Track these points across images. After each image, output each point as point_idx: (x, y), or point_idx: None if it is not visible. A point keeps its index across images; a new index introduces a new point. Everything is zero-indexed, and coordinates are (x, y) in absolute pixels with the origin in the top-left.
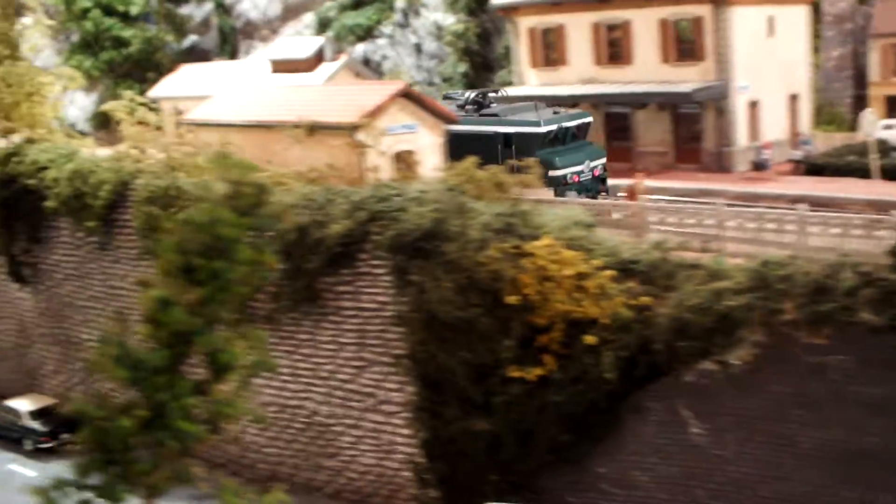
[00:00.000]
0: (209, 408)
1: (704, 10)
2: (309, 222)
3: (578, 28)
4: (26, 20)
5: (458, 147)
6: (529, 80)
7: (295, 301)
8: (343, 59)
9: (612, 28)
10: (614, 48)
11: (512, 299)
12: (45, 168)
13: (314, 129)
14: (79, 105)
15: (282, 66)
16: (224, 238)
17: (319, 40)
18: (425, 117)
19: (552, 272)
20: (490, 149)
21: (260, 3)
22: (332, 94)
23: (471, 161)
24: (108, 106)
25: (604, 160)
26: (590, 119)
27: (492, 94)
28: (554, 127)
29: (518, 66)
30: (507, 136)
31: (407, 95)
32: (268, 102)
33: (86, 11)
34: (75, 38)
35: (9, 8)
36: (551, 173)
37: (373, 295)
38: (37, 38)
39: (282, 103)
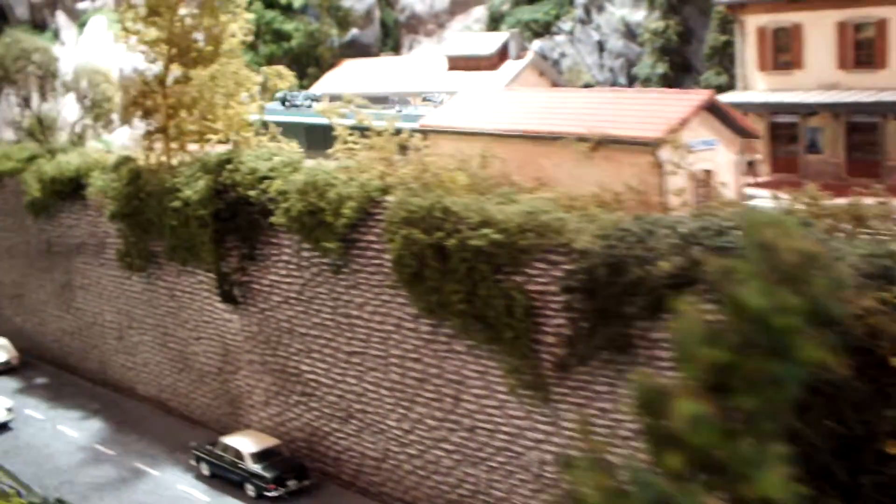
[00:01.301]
0: None
1: None
2: (623, 258)
3: (819, 27)
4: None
5: None
6: (756, 84)
7: (597, 348)
8: (529, 56)
9: (861, 27)
10: (864, 50)
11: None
12: (266, 178)
13: (602, 144)
14: None
15: (461, 63)
16: (781, 330)
17: (503, 36)
18: (723, 131)
19: None
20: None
21: None
22: (617, 103)
23: (813, 186)
24: (321, 107)
25: None
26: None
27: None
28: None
29: (743, 68)
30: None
31: (709, 107)
32: (530, 109)
33: (247, 4)
34: None
35: (212, 2)
36: None
37: None
38: (238, 33)
39: (549, 111)
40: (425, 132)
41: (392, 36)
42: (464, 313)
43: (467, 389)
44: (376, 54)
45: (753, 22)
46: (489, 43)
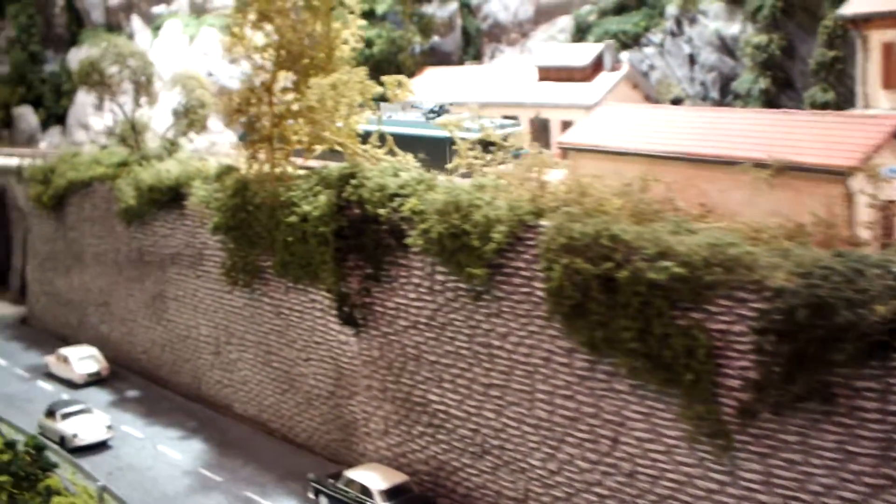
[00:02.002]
0: None
1: None
2: (829, 300)
3: None
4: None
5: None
6: (879, 102)
7: (795, 396)
8: (624, 68)
9: None
10: None
11: None
12: (396, 196)
13: (782, 171)
14: None
15: (552, 74)
16: None
17: (598, 47)
18: None
19: None
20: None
21: (511, 4)
22: (791, 126)
23: None
24: (443, 120)
25: None
26: (520, 128)
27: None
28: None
29: (865, 85)
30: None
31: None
32: (688, 129)
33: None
34: None
35: (326, 6)
36: None
37: None
38: (351, 40)
39: (712, 132)
40: (565, 150)
41: (473, 44)
42: (634, 352)
43: (628, 431)
44: (457, 63)
45: (878, 38)
46: (583, 54)
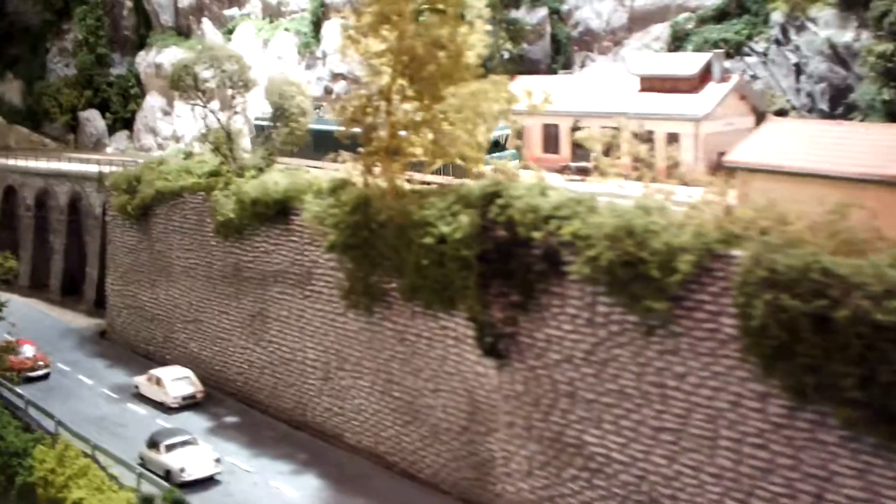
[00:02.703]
0: None
1: None
2: None
3: None
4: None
5: None
6: None
7: None
8: (734, 79)
9: None
10: None
11: None
12: (552, 217)
13: None
14: None
15: (655, 84)
16: None
17: (705, 56)
18: None
19: None
20: None
21: (603, 11)
22: None
23: None
24: (584, 134)
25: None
26: (508, 131)
27: None
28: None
29: None
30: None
31: None
32: (880, 148)
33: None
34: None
35: (454, 9)
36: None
37: None
38: (478, 45)
39: None
40: (732, 169)
41: (563, 52)
42: (853, 401)
43: (836, 489)
44: (545, 71)
45: None
46: (691, 63)
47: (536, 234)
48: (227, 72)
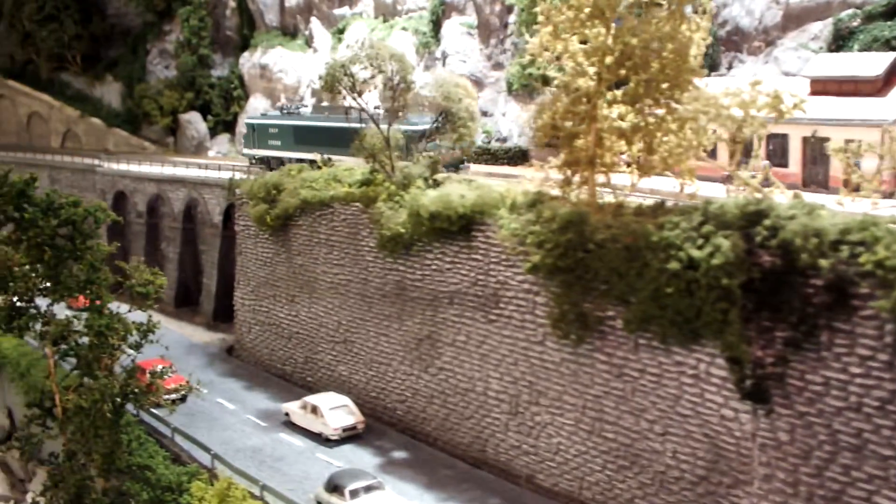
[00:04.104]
0: None
1: None
2: None
3: None
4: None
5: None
6: None
7: None
8: None
9: None
10: None
11: None
12: (842, 242)
13: None
14: (512, 116)
15: (830, 87)
16: None
17: (890, 56)
18: None
19: None
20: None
21: (755, 9)
22: None
23: None
24: (836, 145)
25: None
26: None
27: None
28: (426, 127)
29: None
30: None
31: None
32: None
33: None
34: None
35: (680, 4)
36: (427, 154)
37: None
38: (702, 45)
39: None
40: None
41: (711, 52)
42: None
43: None
44: None
45: None
46: (873, 63)
47: (823, 263)
48: (385, 72)
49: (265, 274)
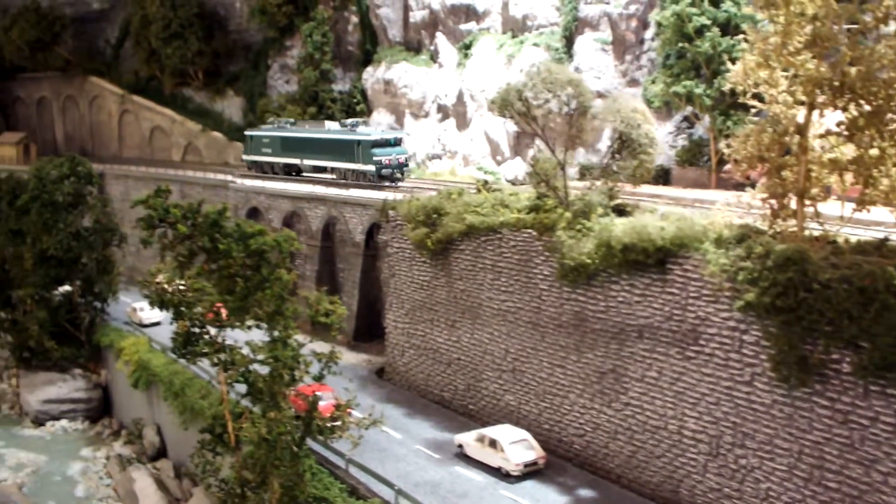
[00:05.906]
0: None
1: None
2: None
3: None
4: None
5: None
6: None
7: None
8: None
9: None
10: None
11: None
12: None
13: None
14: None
15: None
16: None
17: None
18: None
19: None
20: (347, 149)
21: None
22: None
23: None
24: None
25: (406, 154)
26: (402, 134)
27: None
28: (379, 137)
29: None
30: (358, 141)
31: None
32: None
33: (700, 30)
34: (656, 57)
35: None
36: (375, 159)
37: None
38: None
39: None
40: None
41: None
42: None
43: None
44: None
45: None
46: None
47: None
48: (561, 97)
49: (421, 297)
